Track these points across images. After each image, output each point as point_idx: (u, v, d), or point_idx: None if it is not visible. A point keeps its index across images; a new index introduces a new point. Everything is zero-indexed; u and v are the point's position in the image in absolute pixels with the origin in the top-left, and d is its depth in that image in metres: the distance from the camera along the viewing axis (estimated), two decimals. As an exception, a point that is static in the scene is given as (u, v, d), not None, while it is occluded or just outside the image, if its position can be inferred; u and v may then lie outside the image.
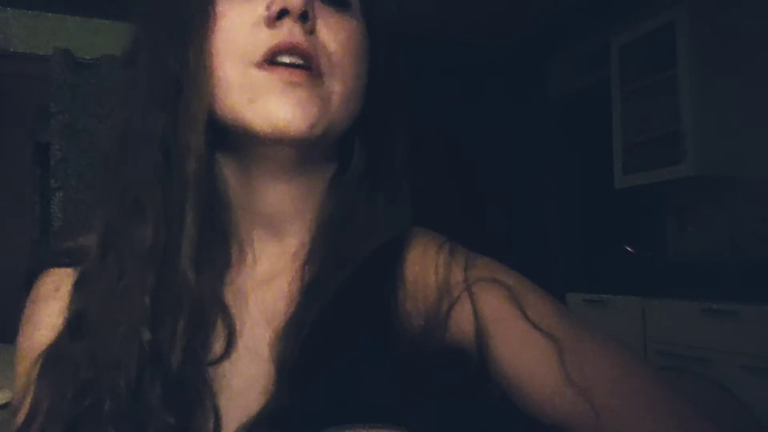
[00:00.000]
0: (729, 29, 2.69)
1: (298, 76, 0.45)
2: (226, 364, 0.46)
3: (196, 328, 0.45)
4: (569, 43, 3.69)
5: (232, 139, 0.48)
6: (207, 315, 0.46)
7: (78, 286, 0.49)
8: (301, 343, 0.45)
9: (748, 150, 2.65)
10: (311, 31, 0.46)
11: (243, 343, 0.47)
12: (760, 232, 2.51)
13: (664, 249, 3.09)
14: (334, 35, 0.48)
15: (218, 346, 0.46)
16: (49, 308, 0.50)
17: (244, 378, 0.46)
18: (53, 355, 0.46)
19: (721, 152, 2.64)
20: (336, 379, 0.43)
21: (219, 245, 0.50)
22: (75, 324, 0.47)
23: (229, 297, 0.49)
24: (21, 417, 0.45)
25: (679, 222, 3.02)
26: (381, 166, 0.54)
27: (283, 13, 0.45)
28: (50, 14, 3.18)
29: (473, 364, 0.46)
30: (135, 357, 0.43)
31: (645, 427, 0.43)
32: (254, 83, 0.45)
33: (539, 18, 3.52)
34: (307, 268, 0.50)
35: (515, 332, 0.45)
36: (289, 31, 0.45)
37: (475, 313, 0.47)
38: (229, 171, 0.50)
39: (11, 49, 3.11)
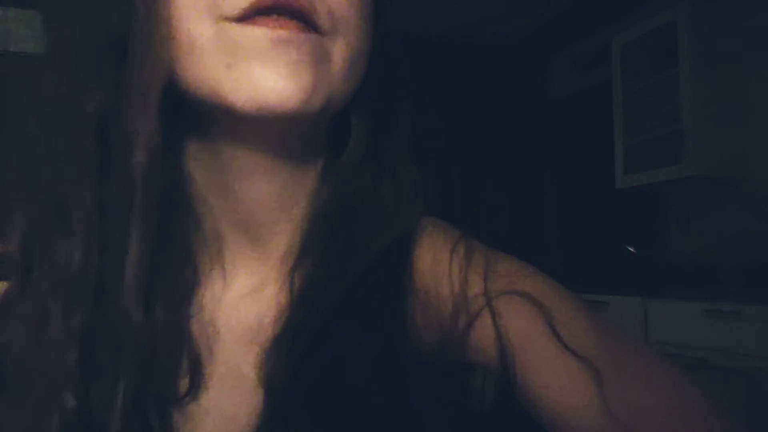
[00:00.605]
0: (730, 28, 2.69)
1: (290, 28, 0.34)
2: (200, 396, 0.38)
3: (146, 379, 0.34)
4: (569, 43, 3.68)
5: (199, 120, 0.37)
6: (163, 357, 0.36)
7: None
8: (294, 363, 0.37)
9: (750, 150, 2.65)
10: None
11: (222, 369, 0.39)
12: (762, 232, 2.50)
13: (665, 249, 3.09)
14: None
15: (183, 382, 0.37)
16: None
17: (226, 409, 0.38)
18: None
19: (722, 152, 2.64)
20: (336, 404, 0.36)
21: (180, 261, 0.39)
22: None
23: (195, 325, 0.39)
24: None
25: (680, 222, 3.02)
26: (384, 146, 0.44)
27: None
28: (50, 14, 3.18)
29: (496, 387, 0.40)
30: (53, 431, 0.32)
31: None
32: (232, 42, 0.34)
33: (539, 18, 3.51)
34: (297, 274, 0.41)
35: (547, 357, 0.38)
36: None
37: (498, 333, 0.39)
38: (194, 163, 0.39)
39: (11, 49, 3.11)
